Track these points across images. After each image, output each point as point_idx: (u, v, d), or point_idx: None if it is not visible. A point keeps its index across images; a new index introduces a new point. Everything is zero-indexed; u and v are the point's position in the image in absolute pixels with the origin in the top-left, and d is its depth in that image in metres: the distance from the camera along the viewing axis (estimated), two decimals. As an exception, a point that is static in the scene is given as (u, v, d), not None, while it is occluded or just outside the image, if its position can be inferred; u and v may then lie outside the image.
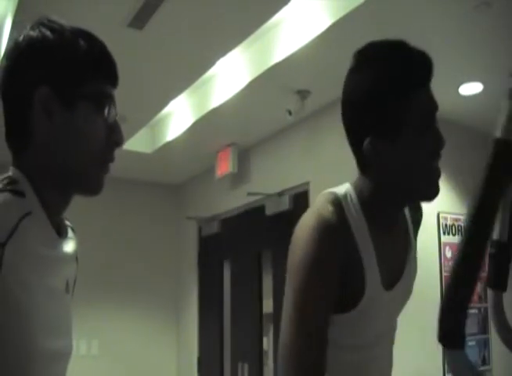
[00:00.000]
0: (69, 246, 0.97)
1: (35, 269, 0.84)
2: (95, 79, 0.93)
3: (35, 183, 0.88)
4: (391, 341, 1.32)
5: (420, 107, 1.09)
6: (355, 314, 1.14)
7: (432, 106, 1.12)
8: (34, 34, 0.91)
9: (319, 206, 1.17)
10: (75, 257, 1.02)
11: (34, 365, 0.84)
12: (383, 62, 1.15)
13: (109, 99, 0.95)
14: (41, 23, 0.92)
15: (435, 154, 1.10)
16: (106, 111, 0.94)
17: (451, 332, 0.73)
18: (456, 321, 0.72)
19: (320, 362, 1.07)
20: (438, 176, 1.10)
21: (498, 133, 0.68)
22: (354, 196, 1.19)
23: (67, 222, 1.01)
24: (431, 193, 1.11)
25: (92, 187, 0.95)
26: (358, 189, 1.20)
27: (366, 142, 1.13)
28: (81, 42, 0.92)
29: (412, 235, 1.27)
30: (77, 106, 0.91)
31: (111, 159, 0.95)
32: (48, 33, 0.91)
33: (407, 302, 1.31)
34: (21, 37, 0.91)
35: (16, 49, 0.92)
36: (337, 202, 1.17)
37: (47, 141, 0.90)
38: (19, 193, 0.85)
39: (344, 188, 1.23)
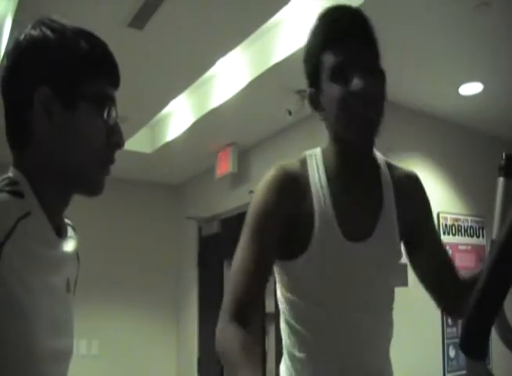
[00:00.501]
0: (69, 245, 0.97)
1: (35, 269, 0.84)
2: (95, 80, 0.92)
3: (35, 183, 0.88)
4: (382, 314, 1.26)
5: (328, 62, 1.20)
6: (307, 259, 1.18)
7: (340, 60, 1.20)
8: (35, 33, 0.91)
9: (285, 161, 1.29)
10: (76, 256, 1.02)
11: (36, 365, 0.84)
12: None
13: (109, 101, 0.94)
14: (42, 23, 0.92)
15: (342, 102, 1.19)
16: (106, 112, 0.93)
17: (476, 343, 0.72)
18: (483, 332, 0.71)
19: (247, 294, 1.13)
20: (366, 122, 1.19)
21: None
22: (319, 155, 1.30)
23: (68, 221, 1.01)
24: (358, 141, 1.24)
25: (92, 188, 0.95)
26: (325, 149, 1.31)
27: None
28: (82, 43, 0.92)
29: (387, 197, 1.26)
30: (78, 107, 0.90)
31: (112, 160, 0.95)
32: (48, 32, 0.91)
33: (394, 270, 1.27)
34: (22, 37, 0.91)
35: (17, 49, 0.91)
36: (303, 159, 1.29)
37: (47, 141, 0.89)
38: (18, 194, 0.85)
39: (315, 149, 1.34)
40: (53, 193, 0.91)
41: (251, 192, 4.26)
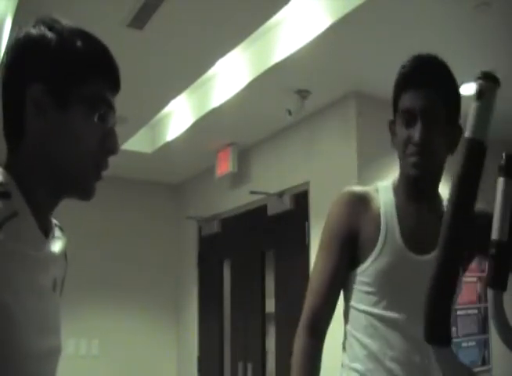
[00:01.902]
0: (56, 246, 0.96)
1: (21, 270, 0.84)
2: (93, 82, 0.92)
3: (24, 184, 0.88)
4: None
5: (402, 105, 1.38)
6: (370, 264, 1.34)
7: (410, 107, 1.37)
8: (33, 31, 0.91)
9: (358, 186, 1.51)
10: (64, 256, 1.02)
11: (24, 364, 0.84)
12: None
13: (105, 104, 0.93)
14: (42, 22, 0.92)
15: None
16: (100, 116, 0.92)
17: (438, 329, 0.73)
18: (443, 317, 0.73)
19: (320, 305, 1.36)
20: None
21: (468, 134, 0.70)
22: (390, 182, 1.47)
23: (55, 222, 1.00)
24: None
25: (82, 192, 0.94)
26: (396, 177, 1.47)
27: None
28: (81, 43, 0.92)
29: None
30: (72, 108, 0.90)
31: (104, 166, 0.94)
32: (47, 31, 0.91)
33: None
34: (21, 35, 0.92)
35: (15, 46, 0.92)
36: (374, 186, 1.46)
37: (38, 140, 0.89)
38: (4, 195, 0.84)
39: (387, 180, 1.51)
40: (42, 195, 0.90)
41: (252, 192, 4.27)
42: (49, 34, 0.90)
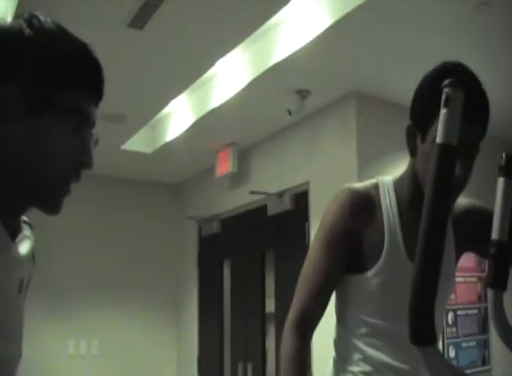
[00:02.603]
0: (24, 247, 0.92)
1: None
2: (73, 91, 0.84)
3: None
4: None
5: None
6: (375, 273, 1.31)
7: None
8: (11, 25, 0.83)
9: (355, 183, 1.42)
10: (31, 256, 0.97)
11: None
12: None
13: (83, 116, 0.86)
14: (21, 16, 0.85)
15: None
16: (76, 127, 0.85)
17: (422, 329, 0.74)
18: (426, 316, 0.74)
19: (311, 304, 1.34)
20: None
21: (438, 139, 0.73)
22: (391, 182, 1.41)
23: (24, 219, 0.95)
24: None
25: (47, 206, 0.87)
26: (398, 179, 1.42)
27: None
28: (61, 44, 0.84)
29: (448, 228, 1.38)
30: (45, 115, 0.82)
31: (76, 179, 0.87)
32: (24, 27, 0.83)
33: (450, 292, 1.42)
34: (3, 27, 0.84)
35: None
36: (375, 183, 1.41)
37: (5, 143, 0.82)
38: None
39: (385, 177, 1.46)
40: (10, 198, 0.84)
41: (252, 192, 4.27)
42: (27, 31, 0.82)
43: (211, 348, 5.03)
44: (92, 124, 0.88)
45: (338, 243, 1.35)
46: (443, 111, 0.74)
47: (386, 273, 1.31)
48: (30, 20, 0.83)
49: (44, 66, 0.82)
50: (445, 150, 0.73)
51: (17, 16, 0.84)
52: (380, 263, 1.31)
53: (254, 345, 4.41)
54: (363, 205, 1.35)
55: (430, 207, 0.73)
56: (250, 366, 4.42)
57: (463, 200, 1.46)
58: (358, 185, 1.41)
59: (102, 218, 5.29)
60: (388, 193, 1.38)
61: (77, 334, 4.98)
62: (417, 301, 0.75)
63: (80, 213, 4.81)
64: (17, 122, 0.81)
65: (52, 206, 0.87)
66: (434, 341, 0.74)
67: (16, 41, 0.82)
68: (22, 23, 0.83)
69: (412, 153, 1.36)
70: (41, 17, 0.85)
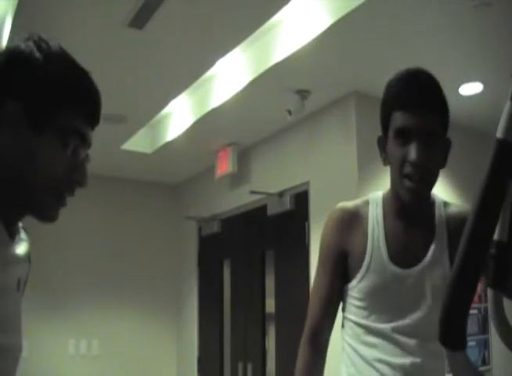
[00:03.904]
0: (21, 248, 0.97)
1: None
2: (70, 112, 0.91)
3: None
4: (429, 340, 1.37)
5: (396, 123, 1.37)
6: (358, 280, 1.41)
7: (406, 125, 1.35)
8: (22, 46, 0.90)
9: (347, 202, 1.53)
10: (28, 257, 1.03)
11: None
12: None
13: (79, 139, 0.92)
14: (32, 38, 0.91)
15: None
16: (73, 149, 0.91)
17: (453, 333, 0.73)
18: (459, 322, 0.73)
19: (319, 319, 1.46)
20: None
21: (499, 134, 0.69)
22: (380, 196, 1.49)
23: (21, 224, 1.01)
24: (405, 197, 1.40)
25: (42, 216, 0.94)
26: (387, 192, 1.49)
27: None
28: (65, 71, 0.91)
29: (440, 231, 1.42)
30: (44, 133, 0.89)
31: (70, 194, 0.94)
32: (35, 50, 0.90)
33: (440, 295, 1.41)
34: (11, 47, 0.91)
35: (1, 56, 0.91)
36: (366, 200, 1.50)
37: (7, 155, 0.89)
38: None
39: (378, 192, 1.53)
40: (9, 206, 0.91)
41: (252, 192, 4.27)
42: (37, 54, 0.89)
43: (211, 348, 5.03)
44: (88, 146, 0.95)
45: (333, 258, 1.47)
46: (509, 104, 0.69)
47: (369, 281, 1.40)
48: (39, 44, 0.90)
49: (48, 89, 0.89)
50: (505, 147, 0.68)
51: (29, 36, 0.91)
52: (362, 270, 1.41)
53: (254, 345, 4.41)
54: (351, 221, 1.46)
55: (480, 207, 0.70)
56: (250, 366, 4.42)
57: (461, 207, 1.50)
58: (349, 203, 1.51)
59: (102, 218, 5.29)
60: (376, 206, 1.47)
61: (78, 334, 4.98)
62: (452, 306, 0.73)
63: (80, 213, 4.81)
64: (18, 136, 0.88)
65: (45, 216, 0.94)
66: (464, 345, 0.74)
67: (27, 63, 0.89)
68: (32, 47, 0.90)
69: (385, 161, 1.44)
70: (49, 42, 0.92)
